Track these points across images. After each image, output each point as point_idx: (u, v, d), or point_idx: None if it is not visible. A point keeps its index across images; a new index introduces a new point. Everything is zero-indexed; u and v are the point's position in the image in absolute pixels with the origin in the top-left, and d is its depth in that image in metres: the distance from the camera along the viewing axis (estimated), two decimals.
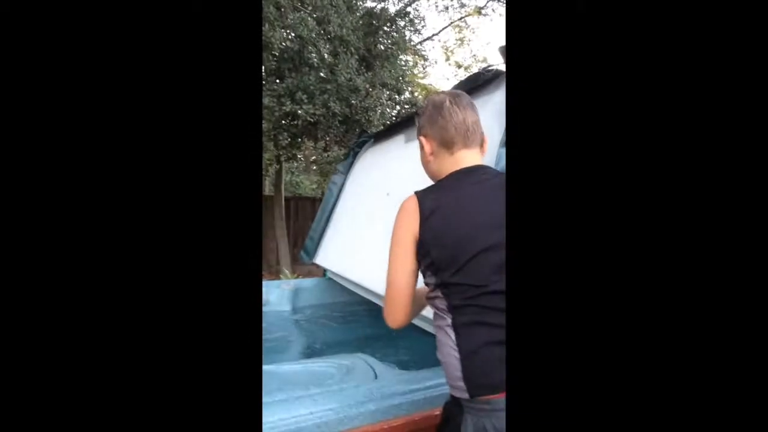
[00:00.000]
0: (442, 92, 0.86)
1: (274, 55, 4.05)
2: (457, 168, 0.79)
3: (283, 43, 3.99)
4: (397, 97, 5.19)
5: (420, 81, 5.57)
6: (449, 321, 0.75)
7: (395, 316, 0.80)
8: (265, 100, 3.84)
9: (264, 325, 2.45)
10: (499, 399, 0.70)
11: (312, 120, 4.03)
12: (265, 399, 0.97)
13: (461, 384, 0.73)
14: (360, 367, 1.18)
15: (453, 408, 0.79)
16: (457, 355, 0.73)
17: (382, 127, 4.89)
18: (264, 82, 4.15)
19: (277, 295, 2.67)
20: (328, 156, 4.51)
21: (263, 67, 4.21)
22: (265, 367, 1.17)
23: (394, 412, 1.04)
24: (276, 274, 5.19)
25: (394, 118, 5.29)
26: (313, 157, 5.82)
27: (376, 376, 1.12)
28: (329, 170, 5.03)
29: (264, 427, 0.90)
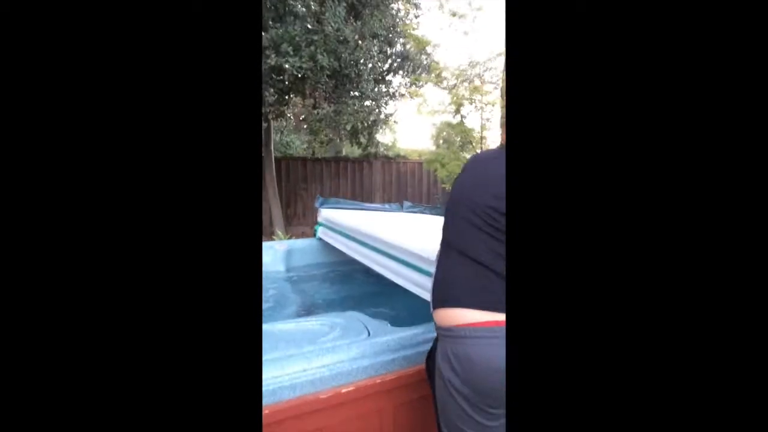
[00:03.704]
0: None
1: None
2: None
3: None
4: (388, 49, 4.94)
5: (412, 32, 5.27)
6: (440, 250, 0.90)
7: None
8: None
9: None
10: (461, 327, 0.78)
11: (299, 74, 3.84)
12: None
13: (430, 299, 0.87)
14: (353, 325, 1.18)
15: (436, 341, 0.90)
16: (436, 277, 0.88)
17: (373, 82, 4.69)
18: None
19: (270, 255, 2.68)
20: (317, 113, 4.34)
21: None
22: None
23: (387, 368, 1.06)
24: (269, 236, 5.18)
25: (384, 72, 5.08)
26: (303, 116, 5.62)
27: (369, 334, 1.13)
28: (319, 128, 4.88)
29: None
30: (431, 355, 0.94)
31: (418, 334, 1.15)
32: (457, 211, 0.86)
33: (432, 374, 0.89)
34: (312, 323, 1.21)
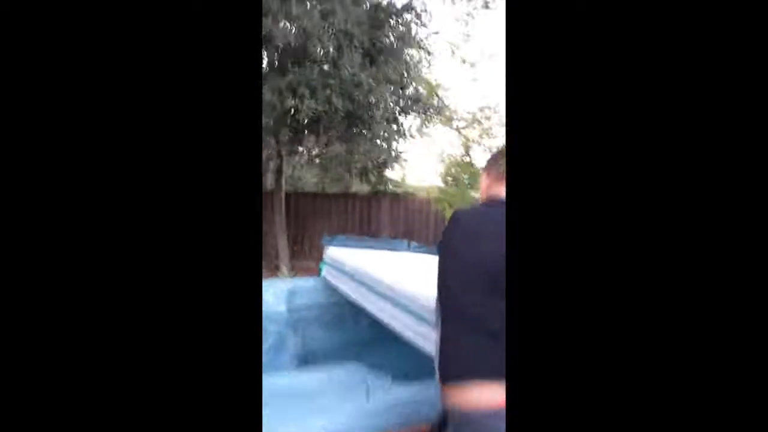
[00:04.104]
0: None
1: (277, 48, 3.99)
2: (499, 198, 0.92)
3: (286, 37, 3.93)
4: (400, 92, 5.12)
5: (425, 76, 5.48)
6: (439, 318, 0.84)
7: None
8: (267, 95, 3.79)
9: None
10: (477, 411, 0.72)
11: (314, 115, 3.98)
12: None
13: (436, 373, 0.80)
14: (352, 381, 1.15)
15: (437, 424, 0.85)
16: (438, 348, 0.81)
17: (385, 123, 4.83)
18: (265, 77, 4.10)
19: (272, 294, 2.65)
20: (330, 152, 4.46)
21: (265, 61, 4.15)
22: None
23: (386, 427, 1.01)
24: (274, 270, 5.17)
25: (397, 114, 5.23)
26: (315, 151, 5.77)
27: (368, 392, 1.09)
28: (331, 166, 4.98)
29: None
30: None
31: (416, 393, 1.11)
32: (465, 278, 0.80)
33: None
34: (310, 375, 1.17)
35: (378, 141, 4.75)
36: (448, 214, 5.33)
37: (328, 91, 3.93)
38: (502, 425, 0.65)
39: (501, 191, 0.94)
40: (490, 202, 0.94)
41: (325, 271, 2.71)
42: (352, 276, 2.21)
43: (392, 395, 1.09)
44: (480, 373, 0.72)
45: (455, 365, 0.76)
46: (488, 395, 0.70)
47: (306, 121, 4.17)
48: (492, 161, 1.03)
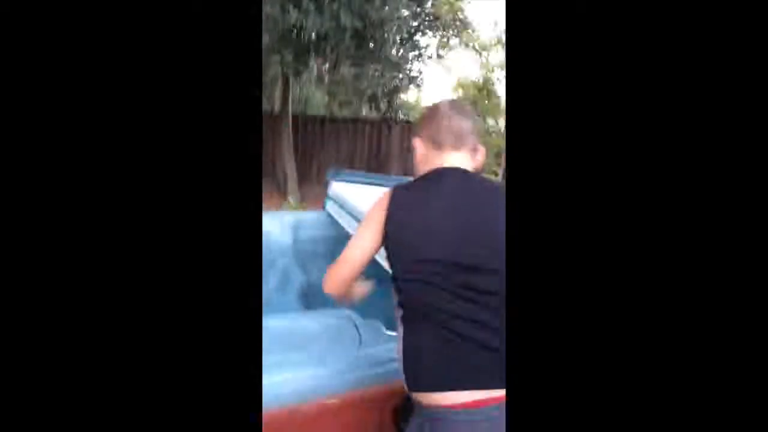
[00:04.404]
0: (443, 100, 0.91)
1: None
2: (443, 167, 0.81)
3: None
4: (418, 8, 4.62)
5: None
6: (400, 314, 0.78)
7: (332, 282, 0.83)
8: (267, 8, 3.44)
9: (266, 254, 2.50)
10: (450, 409, 0.68)
11: (320, 33, 3.65)
12: None
13: (402, 376, 0.75)
14: (345, 330, 1.18)
15: (402, 408, 0.83)
16: (401, 347, 0.76)
17: (399, 43, 4.41)
18: None
19: (278, 225, 2.70)
20: (336, 75, 4.17)
21: None
22: None
23: (376, 381, 1.06)
24: (284, 195, 5.20)
25: (413, 32, 4.77)
26: (325, 68, 5.42)
27: (360, 342, 1.13)
28: (338, 91, 4.71)
29: None
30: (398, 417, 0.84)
31: None
32: (420, 271, 0.71)
33: None
34: (305, 321, 1.21)
35: (390, 63, 4.41)
36: None
37: (335, 6, 3.55)
38: (472, 419, 0.66)
39: (444, 160, 0.81)
40: (433, 175, 0.79)
41: (329, 207, 2.71)
42: (354, 216, 2.20)
43: (386, 346, 1.12)
44: (450, 382, 0.68)
45: (424, 377, 0.70)
46: (457, 398, 0.67)
47: (312, 39, 3.84)
48: (425, 122, 0.86)
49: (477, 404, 0.67)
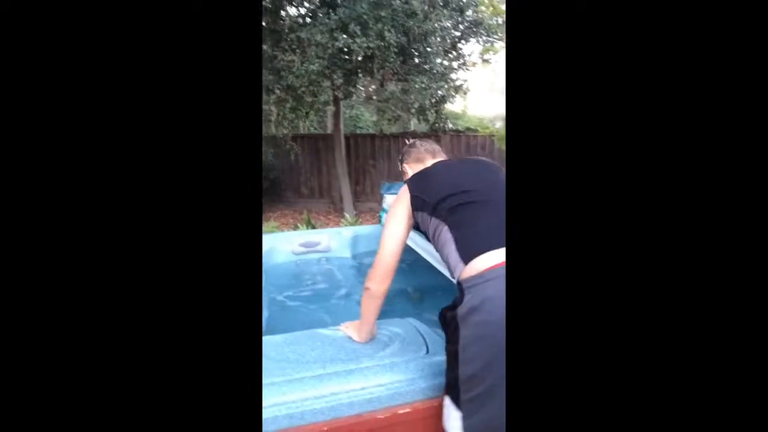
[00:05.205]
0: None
1: None
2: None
3: None
4: (460, 18, 4.61)
5: None
6: (447, 228, 0.97)
7: (378, 276, 1.03)
8: (317, 36, 3.63)
9: (327, 269, 2.58)
10: (489, 271, 0.86)
11: (367, 54, 3.77)
12: (320, 371, 1.02)
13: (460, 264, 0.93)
14: (411, 337, 1.18)
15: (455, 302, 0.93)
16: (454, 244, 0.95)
17: (442, 54, 4.42)
18: (315, 15, 3.90)
19: (338, 240, 2.78)
20: (384, 92, 4.27)
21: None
22: (320, 331, 1.23)
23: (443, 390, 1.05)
24: (340, 212, 5.36)
25: (456, 40, 4.77)
26: (372, 88, 5.57)
27: (427, 350, 1.12)
28: (386, 108, 4.81)
29: (321, 401, 0.96)
30: (448, 313, 0.93)
31: None
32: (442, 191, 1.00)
33: (453, 326, 0.89)
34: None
35: (435, 74, 4.43)
36: None
37: (379, 25, 3.66)
38: (502, 279, 0.81)
39: (426, 164, 1.15)
40: (432, 164, 1.13)
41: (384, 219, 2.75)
42: None
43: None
44: (492, 243, 0.88)
45: (475, 242, 0.90)
46: (496, 257, 0.86)
47: (359, 61, 3.98)
48: (408, 153, 1.23)
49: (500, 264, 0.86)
